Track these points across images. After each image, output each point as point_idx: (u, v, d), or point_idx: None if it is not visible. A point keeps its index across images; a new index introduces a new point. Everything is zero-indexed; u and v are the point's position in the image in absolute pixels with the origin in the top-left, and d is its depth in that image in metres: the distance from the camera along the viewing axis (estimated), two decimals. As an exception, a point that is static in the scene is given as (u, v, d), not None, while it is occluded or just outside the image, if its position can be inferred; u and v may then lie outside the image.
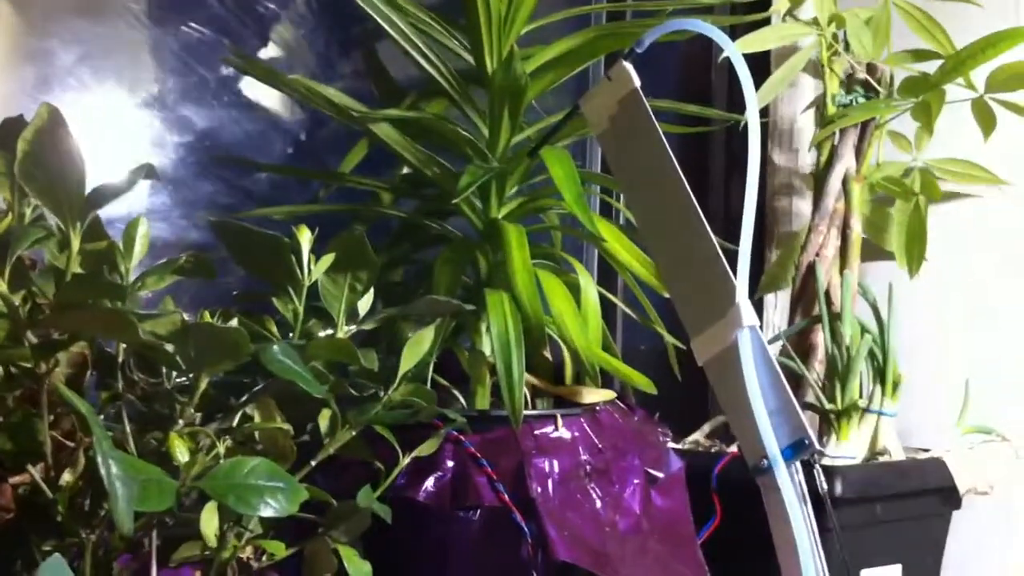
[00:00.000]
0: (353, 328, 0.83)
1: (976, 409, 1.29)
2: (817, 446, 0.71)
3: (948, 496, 1.20)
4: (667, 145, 0.78)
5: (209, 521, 0.72)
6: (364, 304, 0.85)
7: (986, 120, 1.27)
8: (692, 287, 0.79)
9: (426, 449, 0.87)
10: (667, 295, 0.93)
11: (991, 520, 1.33)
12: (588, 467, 0.94)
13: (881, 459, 1.18)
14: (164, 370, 0.75)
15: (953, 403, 1.29)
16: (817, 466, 1.09)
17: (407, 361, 0.83)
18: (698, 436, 1.31)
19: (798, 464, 0.73)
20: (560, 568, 0.92)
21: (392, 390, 0.83)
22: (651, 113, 0.79)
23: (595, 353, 1.00)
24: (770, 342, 1.38)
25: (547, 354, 1.04)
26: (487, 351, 1.01)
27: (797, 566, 0.70)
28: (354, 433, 0.80)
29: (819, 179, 1.35)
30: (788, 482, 0.70)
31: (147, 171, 0.69)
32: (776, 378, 0.73)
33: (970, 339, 1.38)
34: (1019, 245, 1.38)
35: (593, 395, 0.99)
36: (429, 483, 0.91)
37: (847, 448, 1.17)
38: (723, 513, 1.09)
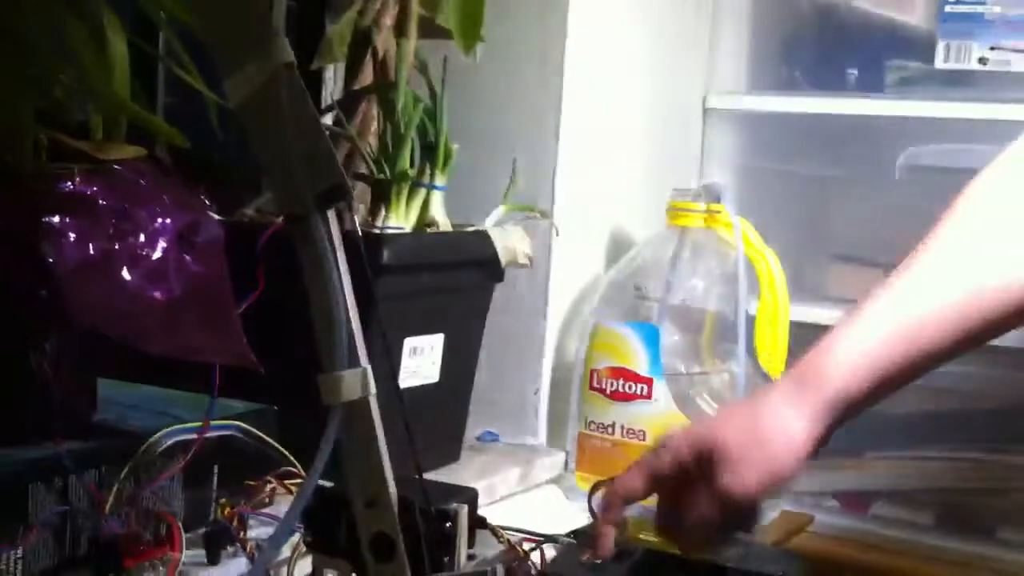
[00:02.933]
0: None
1: (522, 187, 1.32)
2: (352, 194, 0.67)
3: (491, 268, 1.23)
4: None
5: None
6: None
7: None
8: (227, 23, 0.71)
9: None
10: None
11: (529, 292, 1.40)
12: (112, 228, 0.85)
13: (429, 231, 1.19)
14: None
15: (500, 180, 1.31)
16: (361, 232, 1.07)
17: None
18: (248, 210, 1.24)
19: (335, 215, 0.69)
20: (81, 336, 0.83)
21: None
22: None
23: (122, 104, 0.89)
24: (323, 112, 1.33)
25: (70, 108, 0.92)
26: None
27: (328, 323, 0.67)
28: None
29: (379, -55, 1.28)
30: (322, 230, 0.66)
31: None
32: (313, 122, 0.68)
33: (518, 119, 1.41)
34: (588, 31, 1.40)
35: (119, 151, 0.89)
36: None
37: (395, 219, 1.16)
38: (267, 283, 1.04)
